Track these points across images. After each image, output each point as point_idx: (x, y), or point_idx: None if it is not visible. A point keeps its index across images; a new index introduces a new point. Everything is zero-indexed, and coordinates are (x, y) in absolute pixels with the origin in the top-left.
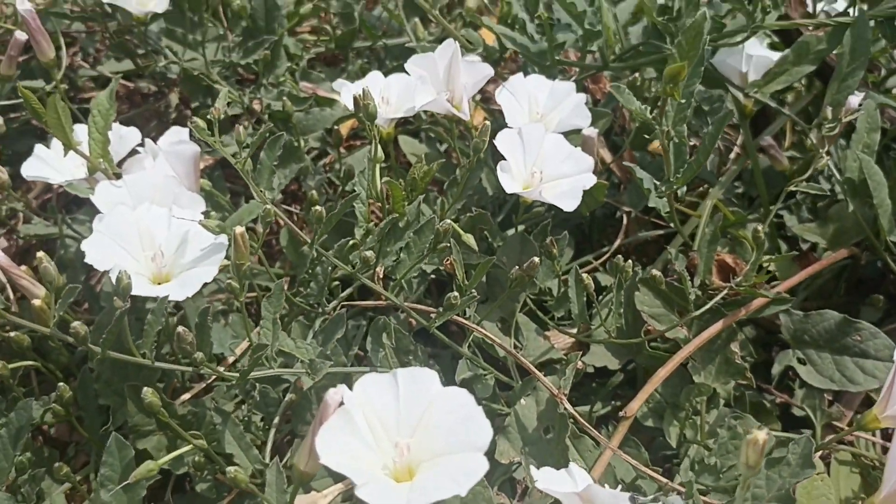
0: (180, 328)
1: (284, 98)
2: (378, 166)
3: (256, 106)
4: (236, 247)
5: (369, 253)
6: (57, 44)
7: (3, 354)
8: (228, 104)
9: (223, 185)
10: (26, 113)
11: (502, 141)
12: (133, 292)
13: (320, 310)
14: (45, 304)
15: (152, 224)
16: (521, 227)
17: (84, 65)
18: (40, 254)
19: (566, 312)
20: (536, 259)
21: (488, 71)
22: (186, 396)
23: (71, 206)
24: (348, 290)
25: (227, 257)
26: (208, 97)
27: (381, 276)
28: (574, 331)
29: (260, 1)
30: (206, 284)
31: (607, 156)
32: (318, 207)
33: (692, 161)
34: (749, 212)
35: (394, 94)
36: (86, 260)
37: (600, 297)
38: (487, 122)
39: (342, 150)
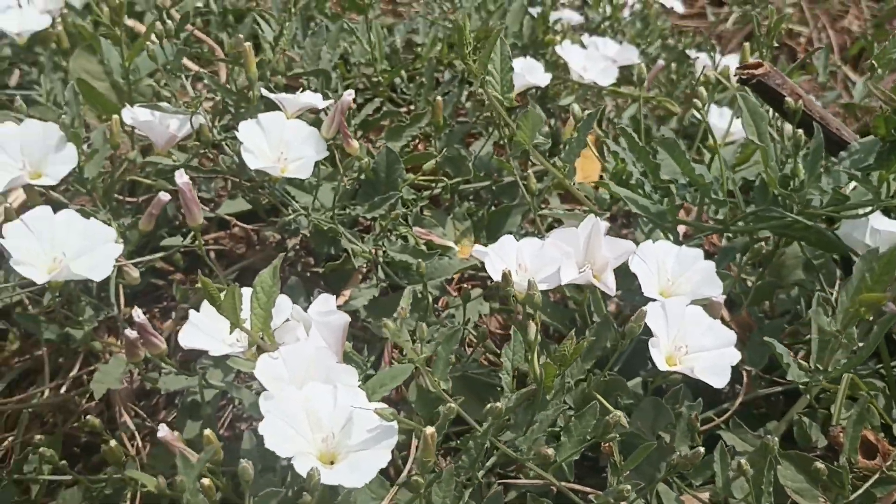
0: None
1: (415, 259)
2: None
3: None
4: (425, 446)
5: (550, 451)
6: None
7: None
8: (354, 256)
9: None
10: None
11: (651, 317)
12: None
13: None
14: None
15: (318, 404)
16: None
17: (204, 207)
18: (208, 436)
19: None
20: (701, 450)
21: (629, 247)
22: None
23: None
24: (494, 459)
25: None
26: (332, 247)
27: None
28: (706, 496)
29: (383, 155)
30: None
31: (725, 314)
32: (498, 405)
33: (854, 358)
34: (872, 370)
35: (527, 259)
36: (266, 445)
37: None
38: (644, 309)
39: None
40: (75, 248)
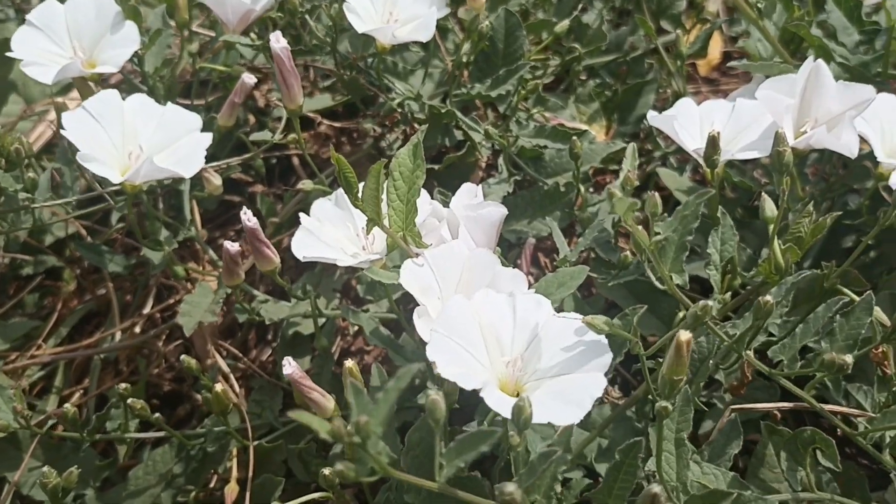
0: (657, 488)
1: (555, 142)
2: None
3: None
4: (678, 357)
5: (848, 358)
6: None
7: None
8: (479, 143)
9: None
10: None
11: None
12: (500, 411)
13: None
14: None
15: (494, 317)
16: None
17: (279, 103)
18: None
19: None
20: None
21: (868, 93)
22: None
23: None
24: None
25: None
26: (445, 137)
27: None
28: None
29: (500, 20)
30: None
31: None
32: (768, 299)
33: None
34: None
35: (718, 125)
36: (444, 375)
37: None
38: None
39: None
40: (154, 140)
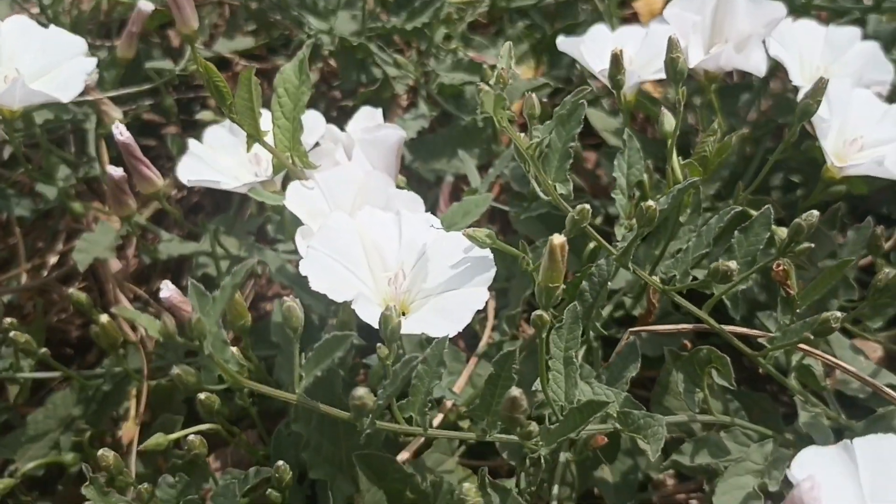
0: (516, 391)
1: (472, 75)
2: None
3: None
4: (552, 262)
5: (732, 264)
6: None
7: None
8: (394, 78)
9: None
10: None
11: None
12: (371, 323)
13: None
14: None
15: (378, 235)
16: None
17: (199, 47)
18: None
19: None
20: None
21: (778, 11)
22: (406, 455)
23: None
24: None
25: None
26: (362, 73)
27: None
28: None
29: None
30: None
31: None
32: (651, 204)
33: None
34: None
35: (631, 50)
36: (314, 288)
37: None
38: (825, 78)
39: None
40: (35, 65)
